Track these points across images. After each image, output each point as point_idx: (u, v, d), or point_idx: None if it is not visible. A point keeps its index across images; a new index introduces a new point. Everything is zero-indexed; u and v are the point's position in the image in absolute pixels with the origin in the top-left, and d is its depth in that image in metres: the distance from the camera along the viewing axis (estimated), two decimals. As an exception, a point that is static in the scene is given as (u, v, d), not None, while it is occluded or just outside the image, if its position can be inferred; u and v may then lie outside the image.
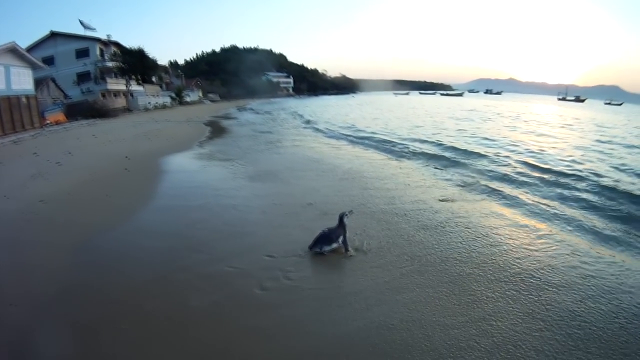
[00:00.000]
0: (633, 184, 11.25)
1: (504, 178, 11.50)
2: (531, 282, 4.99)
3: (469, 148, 17.22)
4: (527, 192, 10.00)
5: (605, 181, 11.26)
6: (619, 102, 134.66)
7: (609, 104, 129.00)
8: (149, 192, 9.17)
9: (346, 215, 6.23)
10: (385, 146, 18.04)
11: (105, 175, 10.68)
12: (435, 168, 12.95)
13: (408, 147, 17.19)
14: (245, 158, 13.65)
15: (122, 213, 7.64)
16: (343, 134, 22.68)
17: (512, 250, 6.04)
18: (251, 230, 6.74)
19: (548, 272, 5.27)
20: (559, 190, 10.17)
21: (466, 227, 7.08)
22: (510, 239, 6.61)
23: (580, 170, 12.62)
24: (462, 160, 14.25)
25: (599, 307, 4.45)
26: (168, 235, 6.55)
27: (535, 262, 5.59)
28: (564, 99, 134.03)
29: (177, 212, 7.78)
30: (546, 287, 4.86)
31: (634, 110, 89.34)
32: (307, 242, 5.92)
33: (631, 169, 13.43)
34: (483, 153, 15.98)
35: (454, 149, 16.98)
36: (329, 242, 6.02)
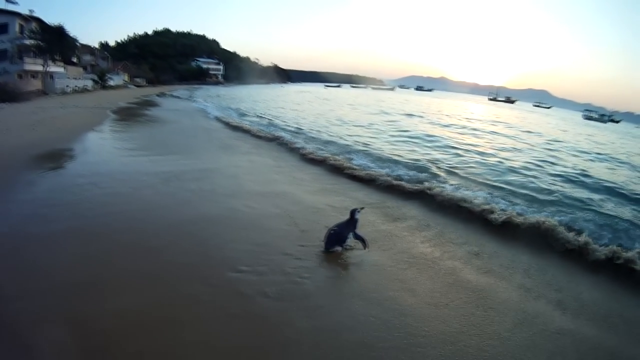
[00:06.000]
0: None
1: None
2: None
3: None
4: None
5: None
6: (548, 106, 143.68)
7: (537, 105, 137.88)
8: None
9: (358, 211, 5.89)
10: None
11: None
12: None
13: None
14: (131, 157, 11.43)
15: None
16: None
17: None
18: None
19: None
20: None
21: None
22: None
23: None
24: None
25: None
26: None
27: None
28: (494, 100, 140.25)
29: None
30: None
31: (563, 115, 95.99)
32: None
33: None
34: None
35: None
36: (343, 240, 5.73)
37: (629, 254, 6.30)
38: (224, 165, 11.29)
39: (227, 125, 21.34)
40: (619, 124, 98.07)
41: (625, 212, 9.30)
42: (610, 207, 9.66)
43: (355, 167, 11.61)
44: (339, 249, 5.75)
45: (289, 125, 21.10)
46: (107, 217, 6.69)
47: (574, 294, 5.39)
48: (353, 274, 5.37)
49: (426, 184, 9.67)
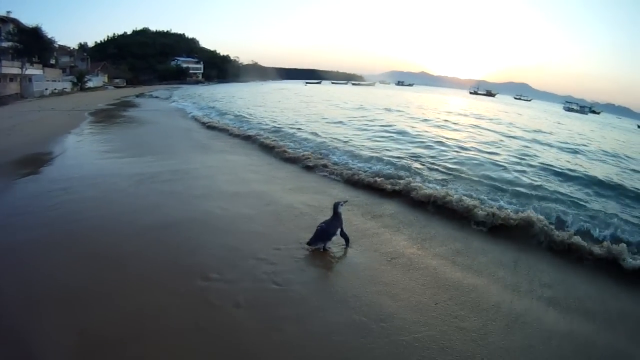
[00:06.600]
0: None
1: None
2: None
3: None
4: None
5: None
6: (529, 98, 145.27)
7: (518, 98, 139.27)
8: None
9: (341, 204, 5.65)
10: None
11: None
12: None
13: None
14: (106, 160, 10.95)
15: None
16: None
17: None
18: None
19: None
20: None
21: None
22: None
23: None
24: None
25: None
26: None
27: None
28: (475, 93, 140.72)
29: None
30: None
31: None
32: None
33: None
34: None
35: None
36: (328, 237, 5.43)
37: (619, 248, 6.07)
38: (199, 165, 10.78)
39: (205, 124, 20.72)
40: (599, 115, 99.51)
41: (613, 204, 9.16)
42: (597, 199, 9.51)
43: (333, 164, 11.27)
44: (321, 246, 5.44)
45: (267, 124, 20.60)
46: (74, 224, 6.19)
47: (566, 290, 5.14)
48: (334, 276, 5.04)
49: (408, 180, 9.34)
